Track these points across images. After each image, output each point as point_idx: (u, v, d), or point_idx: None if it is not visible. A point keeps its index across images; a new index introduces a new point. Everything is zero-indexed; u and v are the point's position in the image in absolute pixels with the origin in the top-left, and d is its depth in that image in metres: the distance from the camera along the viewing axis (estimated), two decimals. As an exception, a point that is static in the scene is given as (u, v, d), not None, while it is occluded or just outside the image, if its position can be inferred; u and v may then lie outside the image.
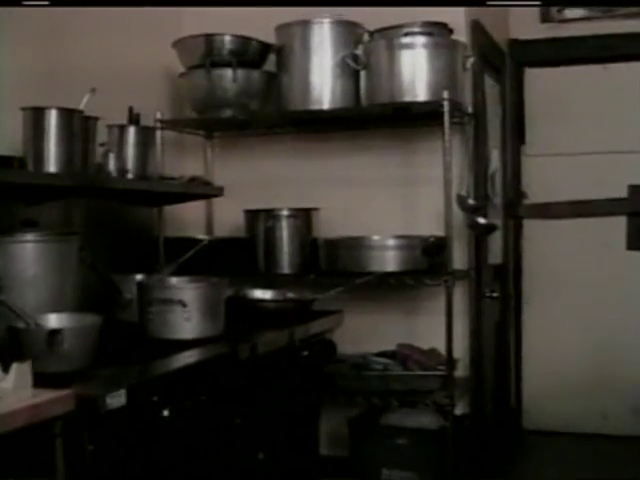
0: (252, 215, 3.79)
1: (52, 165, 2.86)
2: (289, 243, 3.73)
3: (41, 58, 3.20)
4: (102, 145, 3.18)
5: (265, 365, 2.99)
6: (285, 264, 3.73)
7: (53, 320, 2.47)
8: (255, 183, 4.00)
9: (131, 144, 3.29)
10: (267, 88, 3.78)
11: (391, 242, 3.57)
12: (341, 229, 3.79)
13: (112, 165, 3.17)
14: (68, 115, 2.89)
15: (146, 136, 3.34)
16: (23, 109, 2.85)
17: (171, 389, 2.45)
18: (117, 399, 2.15)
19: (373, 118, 3.74)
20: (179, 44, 3.73)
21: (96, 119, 3.07)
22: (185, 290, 2.82)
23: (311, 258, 3.73)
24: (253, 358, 2.91)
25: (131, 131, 3.30)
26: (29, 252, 2.65)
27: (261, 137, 4.05)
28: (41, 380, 2.12)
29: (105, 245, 3.42)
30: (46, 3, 2.58)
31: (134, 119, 3.34)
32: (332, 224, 3.83)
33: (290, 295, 3.50)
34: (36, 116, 2.85)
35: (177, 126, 3.85)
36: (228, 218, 4.00)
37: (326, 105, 3.64)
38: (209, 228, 4.10)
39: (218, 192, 3.63)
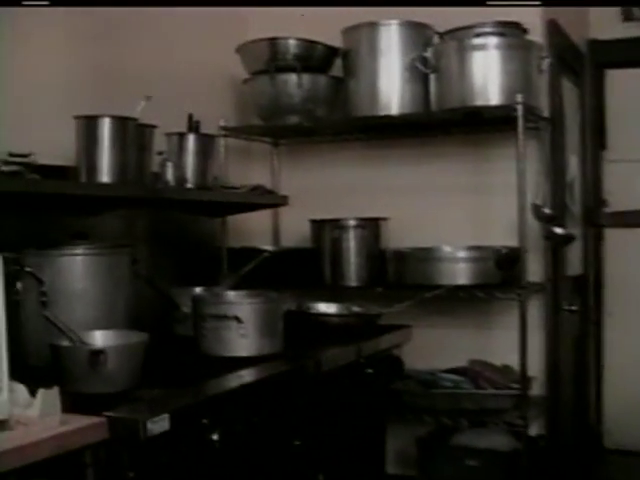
0: (318, 225, 3.62)
1: (105, 175, 2.74)
2: (356, 254, 3.55)
3: (96, 63, 3.07)
4: (160, 154, 3.05)
5: (327, 383, 2.81)
6: (352, 276, 3.55)
7: (99, 338, 2.35)
8: (322, 191, 3.83)
9: (190, 152, 3.17)
10: (334, 93, 3.61)
11: (462, 254, 3.36)
12: (410, 240, 3.60)
13: (170, 174, 3.04)
14: (122, 124, 2.76)
15: (206, 144, 3.20)
16: (76, 118, 2.72)
17: (222, 411, 2.29)
18: (160, 424, 1.99)
19: (443, 124, 3.53)
20: (242, 49, 3.58)
21: (153, 127, 2.94)
22: (241, 305, 2.67)
23: (379, 270, 3.53)
24: (314, 376, 2.73)
25: (190, 139, 3.17)
26: (77, 266, 2.53)
27: (329, 144, 3.88)
28: (80, 402, 2.00)
29: (166, 257, 3.30)
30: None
31: (194, 127, 3.19)
32: (401, 235, 3.64)
33: (356, 309, 3.31)
34: (89, 125, 2.74)
35: (241, 134, 3.70)
36: (295, 228, 3.83)
37: (395, 110, 3.45)
38: (275, 238, 3.95)
39: (282, 201, 3.48)
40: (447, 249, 3.45)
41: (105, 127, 2.73)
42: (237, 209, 3.51)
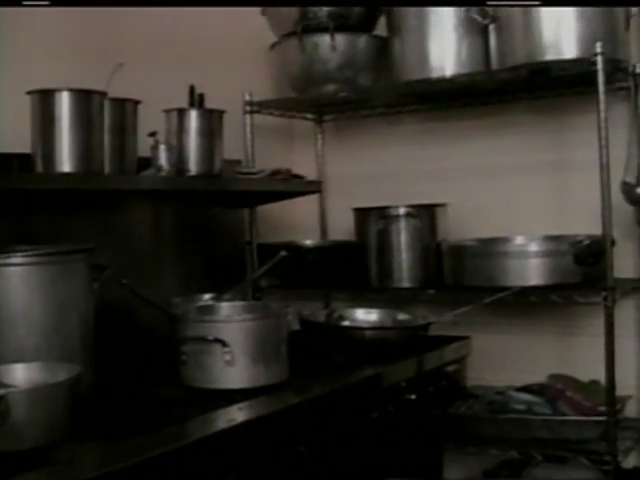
0: (362, 215, 2.94)
1: (66, 164, 2.12)
2: (407, 249, 2.85)
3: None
4: (152, 135, 2.42)
5: (348, 421, 2.15)
6: (402, 276, 2.86)
7: (15, 374, 1.73)
8: (373, 176, 3.16)
9: (193, 132, 2.53)
10: (376, 57, 2.91)
11: (533, 247, 2.63)
12: (473, 230, 2.91)
13: (163, 159, 2.40)
14: (86, 99, 2.17)
15: (212, 122, 2.56)
16: (29, 93, 2.13)
17: (180, 473, 1.67)
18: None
19: (508, 87, 2.78)
20: (269, 9, 2.92)
21: (136, 103, 2.32)
22: (226, 324, 2.01)
23: (436, 268, 2.82)
24: (328, 412, 2.06)
25: (192, 116, 2.54)
26: (12, 278, 1.91)
27: (379, 120, 3.18)
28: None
29: (173, 259, 2.67)
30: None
31: (196, 101, 2.55)
32: (462, 225, 2.94)
33: (402, 317, 2.62)
34: (44, 101, 2.14)
35: (268, 109, 3.03)
36: (345, 218, 3.13)
37: (449, 72, 2.71)
38: (323, 231, 3.27)
39: (314, 188, 2.80)
40: (514, 241, 2.74)
41: (64, 103, 2.13)
42: (263, 199, 2.86)
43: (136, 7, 2.42)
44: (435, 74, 2.74)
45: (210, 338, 1.97)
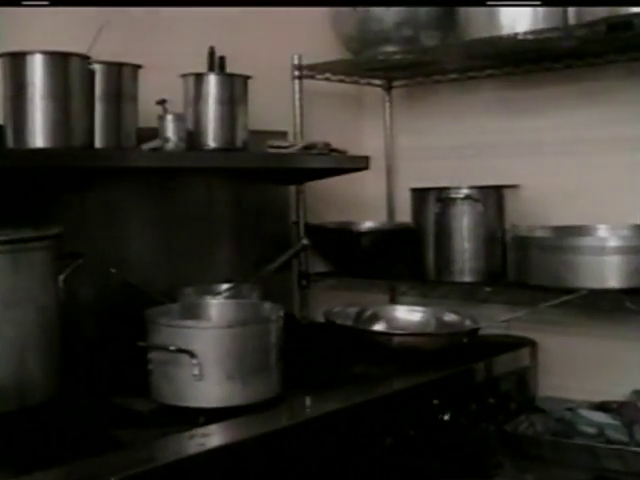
0: (420, 196, 2.51)
1: (39, 137, 1.83)
2: (469, 238, 2.41)
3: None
4: (161, 103, 2.09)
5: (353, 448, 1.76)
6: (463, 268, 2.42)
7: None
8: (446, 149, 2.71)
9: (212, 100, 2.19)
10: (440, 14, 2.46)
11: (612, 242, 2.15)
12: (550, 217, 2.41)
13: (170, 131, 2.07)
14: (63, 62, 1.84)
15: (233, 88, 2.21)
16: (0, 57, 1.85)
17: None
18: None
19: (593, 47, 2.28)
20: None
21: (135, 67, 2.00)
22: (193, 333, 1.66)
23: (503, 260, 2.37)
24: (321, 440, 1.69)
25: (211, 82, 2.20)
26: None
27: (452, 86, 2.73)
28: None
29: (193, 244, 2.35)
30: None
31: (216, 64, 2.20)
32: (538, 210, 2.45)
33: (449, 318, 2.22)
34: (16, 66, 1.85)
35: (321, 73, 2.63)
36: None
37: (522, 28, 2.23)
38: (390, 212, 2.86)
39: (358, 164, 2.40)
40: (592, 233, 2.25)
41: (37, 68, 1.82)
42: (303, 175, 2.49)
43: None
44: (505, 31, 2.26)
45: (172, 348, 1.63)
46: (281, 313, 1.78)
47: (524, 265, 2.25)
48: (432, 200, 2.44)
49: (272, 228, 2.58)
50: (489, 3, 2.24)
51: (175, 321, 1.68)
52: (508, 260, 2.31)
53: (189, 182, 2.34)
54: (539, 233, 2.29)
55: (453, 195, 2.39)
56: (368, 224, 2.68)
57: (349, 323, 2.17)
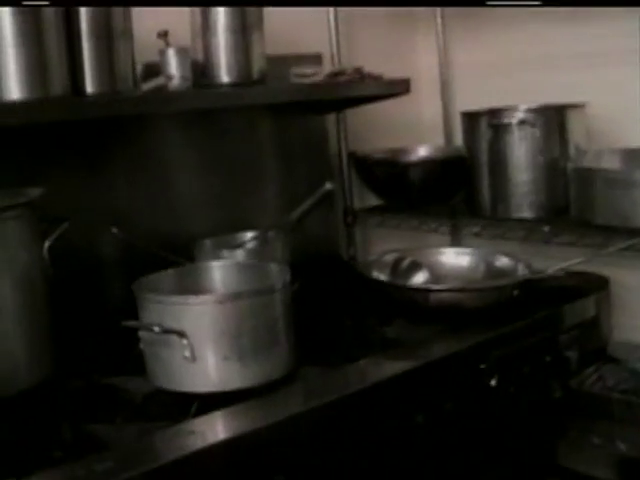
0: (471, 120, 2.20)
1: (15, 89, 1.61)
2: (527, 168, 2.09)
3: None
4: (162, 36, 1.84)
5: (378, 432, 1.52)
6: (521, 203, 2.11)
7: None
8: (505, 65, 2.36)
9: (221, 30, 1.91)
10: None
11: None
12: (622, 140, 2.07)
13: (173, 66, 1.82)
14: None
15: (245, 15, 1.93)
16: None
17: None
18: None
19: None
20: None
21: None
22: (180, 309, 1.43)
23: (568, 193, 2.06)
24: (340, 428, 1.46)
25: (219, 9, 1.91)
26: None
27: None
28: None
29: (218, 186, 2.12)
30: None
31: (226, -12, 1.92)
32: (608, 132, 2.10)
33: (502, 262, 1.94)
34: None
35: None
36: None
37: None
38: (447, 139, 2.54)
39: (396, 89, 2.10)
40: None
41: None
42: (339, 104, 2.21)
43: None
44: None
45: (157, 330, 1.41)
46: (288, 278, 1.52)
47: (588, 201, 1.92)
48: (484, 125, 2.12)
49: (310, 163, 2.31)
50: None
51: (161, 296, 1.46)
52: (571, 195, 1.99)
53: (205, 120, 2.09)
54: (606, 162, 1.95)
55: (506, 120, 2.06)
56: (418, 154, 2.38)
57: (384, 274, 1.90)
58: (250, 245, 1.99)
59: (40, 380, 1.57)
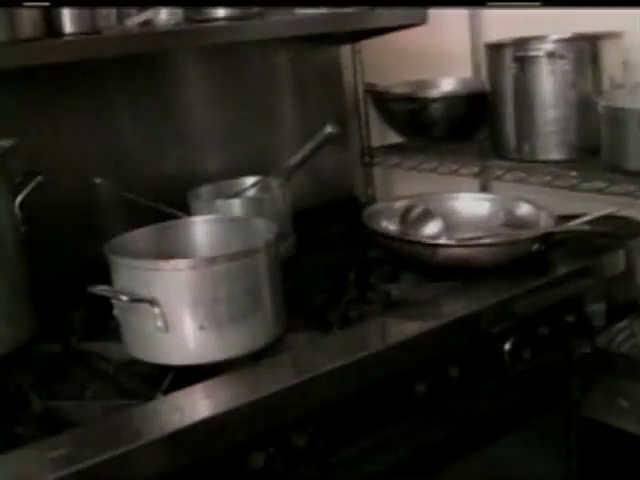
0: (495, 52, 1.99)
1: None
2: (555, 105, 1.90)
3: None
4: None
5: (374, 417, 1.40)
6: (548, 144, 1.92)
7: None
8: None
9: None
10: None
11: None
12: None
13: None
14: None
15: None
16: None
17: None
18: None
19: None
20: None
21: None
22: (150, 275, 1.30)
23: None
24: (335, 398, 1.33)
25: None
26: None
27: None
28: None
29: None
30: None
31: None
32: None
33: (523, 211, 1.77)
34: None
35: None
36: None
37: None
38: (476, 71, 2.33)
39: (413, 20, 1.91)
40: None
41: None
42: (354, 36, 2.03)
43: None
44: None
45: (124, 298, 1.28)
46: (271, 237, 1.38)
47: (620, 144, 1.73)
48: (509, 58, 1.91)
49: (324, 99, 2.14)
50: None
51: (130, 260, 1.32)
52: (602, 136, 1.78)
53: (206, 56, 1.93)
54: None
55: (533, 52, 1.86)
56: (439, 88, 2.19)
57: (393, 224, 1.74)
58: (249, 193, 1.84)
59: (16, 345, 1.47)
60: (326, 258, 1.83)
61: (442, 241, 1.61)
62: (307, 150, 1.73)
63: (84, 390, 1.33)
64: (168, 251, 1.45)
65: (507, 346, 1.57)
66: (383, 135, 2.29)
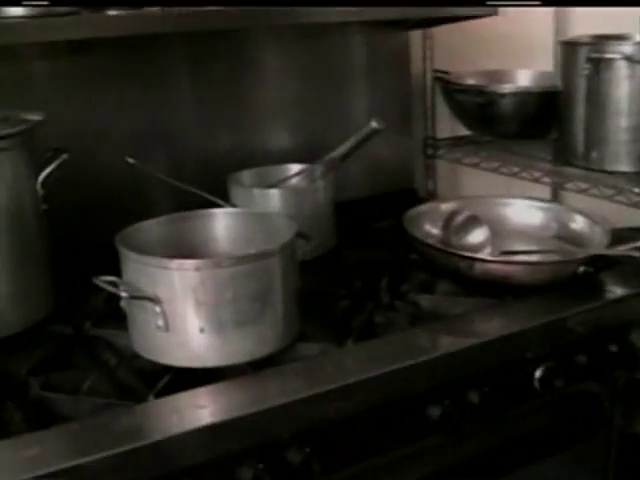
0: (568, 51, 1.85)
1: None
2: (629, 112, 1.74)
3: None
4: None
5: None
6: (618, 153, 1.78)
7: None
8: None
9: None
10: None
11: None
12: None
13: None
14: None
15: None
16: None
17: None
18: None
19: None
20: None
21: None
22: (153, 271, 1.24)
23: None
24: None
25: None
26: None
27: None
28: None
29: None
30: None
31: None
32: None
33: (579, 225, 1.64)
34: None
35: None
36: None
37: None
38: (558, 63, 2.18)
39: (483, 10, 1.78)
40: None
41: None
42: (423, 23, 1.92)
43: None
44: None
45: (124, 294, 1.23)
46: (287, 240, 1.30)
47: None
48: (582, 58, 1.77)
49: (388, 84, 2.04)
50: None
51: (135, 254, 1.27)
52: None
53: (267, 37, 1.85)
54: None
55: (608, 55, 1.71)
56: (513, 81, 2.06)
57: (436, 228, 1.64)
58: (293, 181, 1.76)
59: (31, 322, 1.45)
60: (365, 255, 1.75)
61: (480, 255, 1.50)
62: (349, 145, 1.63)
63: (81, 382, 1.29)
64: (181, 244, 1.40)
65: (538, 373, 1.46)
66: (451, 126, 2.17)
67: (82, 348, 1.41)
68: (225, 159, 1.85)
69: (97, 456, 1.06)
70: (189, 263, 1.24)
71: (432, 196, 2.15)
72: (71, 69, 1.66)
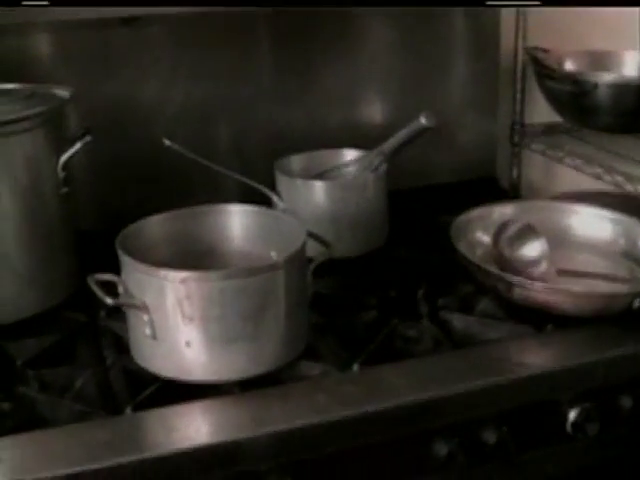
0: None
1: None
2: None
3: None
4: None
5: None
6: None
7: None
8: None
9: None
10: None
11: None
12: None
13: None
14: None
15: None
16: None
17: None
18: None
19: None
20: None
21: None
22: (143, 279, 1.18)
23: None
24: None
25: None
26: None
27: None
28: None
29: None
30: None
31: None
32: None
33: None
34: None
35: None
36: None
37: None
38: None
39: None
40: None
41: None
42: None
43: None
44: None
45: (109, 301, 1.17)
46: (292, 251, 1.20)
47: None
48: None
49: (477, 65, 1.86)
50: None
51: (128, 258, 1.19)
52: None
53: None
54: None
55: None
56: (616, 68, 1.83)
57: (488, 235, 1.49)
58: (346, 169, 1.64)
59: (48, 306, 1.42)
60: (414, 257, 1.61)
61: (517, 278, 1.33)
62: (399, 138, 1.49)
63: (72, 381, 1.25)
64: (186, 243, 1.32)
65: (572, 415, 1.30)
66: (549, 110, 1.96)
67: (88, 340, 1.36)
68: (274, 144, 1.74)
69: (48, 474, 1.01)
70: (174, 275, 1.15)
71: (514, 188, 1.97)
72: (121, 41, 1.59)
